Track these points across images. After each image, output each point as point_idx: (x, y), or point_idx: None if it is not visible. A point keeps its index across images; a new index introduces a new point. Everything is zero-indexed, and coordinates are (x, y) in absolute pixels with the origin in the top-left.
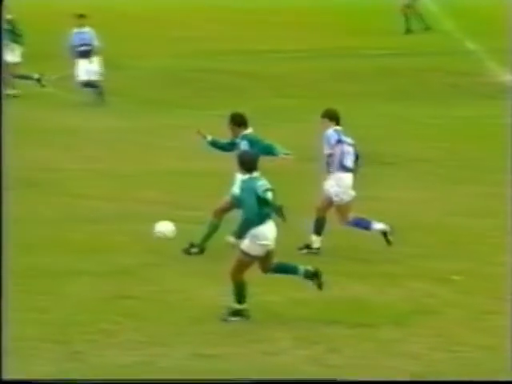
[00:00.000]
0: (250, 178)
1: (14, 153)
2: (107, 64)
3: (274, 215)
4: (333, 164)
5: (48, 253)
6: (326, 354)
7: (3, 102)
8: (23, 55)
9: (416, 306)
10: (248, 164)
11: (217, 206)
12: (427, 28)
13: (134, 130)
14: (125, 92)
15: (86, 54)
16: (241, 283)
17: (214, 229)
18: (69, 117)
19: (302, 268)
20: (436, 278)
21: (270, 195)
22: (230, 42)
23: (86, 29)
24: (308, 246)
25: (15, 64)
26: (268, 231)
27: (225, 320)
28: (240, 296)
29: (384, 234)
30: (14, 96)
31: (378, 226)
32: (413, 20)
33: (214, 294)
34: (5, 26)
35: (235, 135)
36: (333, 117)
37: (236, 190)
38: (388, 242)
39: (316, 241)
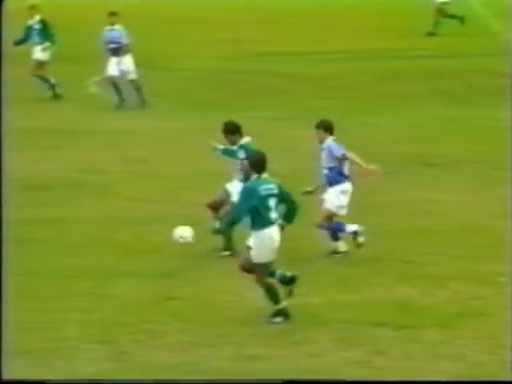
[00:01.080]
0: (258, 179)
1: (59, 154)
2: (152, 66)
3: (278, 220)
4: (334, 176)
5: (92, 254)
6: (369, 355)
7: (3, 101)
8: (55, 55)
9: (461, 309)
10: (257, 165)
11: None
12: (461, 21)
13: (178, 131)
14: (169, 94)
15: (116, 52)
16: (269, 286)
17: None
18: (114, 118)
19: (278, 272)
20: (481, 280)
21: (271, 202)
22: (273, 43)
23: (117, 27)
24: (335, 252)
25: (42, 62)
26: (272, 233)
27: (269, 322)
28: (274, 296)
29: (354, 233)
30: (54, 95)
31: (351, 228)
32: (443, 23)
33: (257, 295)
34: (36, 26)
35: (231, 143)
36: (328, 127)
37: (231, 187)
38: (359, 245)
39: (340, 245)
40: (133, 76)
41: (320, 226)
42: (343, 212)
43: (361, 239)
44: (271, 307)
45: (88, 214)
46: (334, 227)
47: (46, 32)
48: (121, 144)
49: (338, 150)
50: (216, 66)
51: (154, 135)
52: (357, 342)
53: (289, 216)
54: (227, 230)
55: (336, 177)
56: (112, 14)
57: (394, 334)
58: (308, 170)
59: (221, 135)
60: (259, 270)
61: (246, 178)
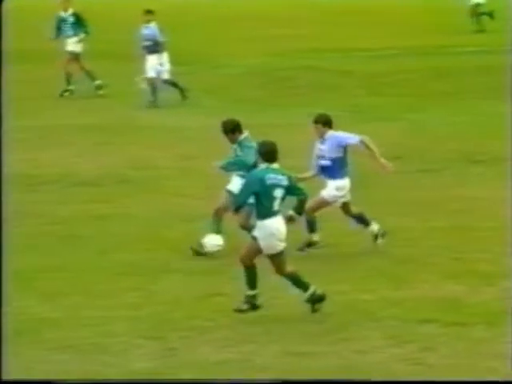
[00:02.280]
0: (267, 168)
1: (108, 151)
2: (200, 63)
3: (290, 212)
4: (341, 167)
5: (141, 250)
6: (418, 352)
7: (3, 101)
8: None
9: (509, 306)
10: (267, 154)
11: (216, 205)
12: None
13: None
14: (219, 91)
15: (151, 50)
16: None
17: (218, 231)
18: (162, 115)
19: (311, 289)
20: None
21: (277, 192)
22: (325, 40)
23: (152, 25)
24: (310, 244)
25: (76, 54)
26: (276, 223)
27: (238, 307)
28: (251, 281)
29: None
30: (65, 92)
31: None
32: (479, 20)
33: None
34: (69, 18)
35: (232, 142)
36: (327, 122)
37: (231, 187)
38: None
39: (314, 236)
40: (166, 76)
41: (310, 212)
42: (337, 203)
43: (379, 240)
44: (248, 292)
45: (137, 211)
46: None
47: (79, 24)
48: (169, 141)
49: (354, 137)
50: (264, 63)
51: (203, 132)
52: (406, 338)
53: (299, 207)
54: (248, 225)
55: (338, 169)
56: (148, 11)
57: (442, 330)
58: (358, 166)
59: (267, 131)
60: (275, 261)
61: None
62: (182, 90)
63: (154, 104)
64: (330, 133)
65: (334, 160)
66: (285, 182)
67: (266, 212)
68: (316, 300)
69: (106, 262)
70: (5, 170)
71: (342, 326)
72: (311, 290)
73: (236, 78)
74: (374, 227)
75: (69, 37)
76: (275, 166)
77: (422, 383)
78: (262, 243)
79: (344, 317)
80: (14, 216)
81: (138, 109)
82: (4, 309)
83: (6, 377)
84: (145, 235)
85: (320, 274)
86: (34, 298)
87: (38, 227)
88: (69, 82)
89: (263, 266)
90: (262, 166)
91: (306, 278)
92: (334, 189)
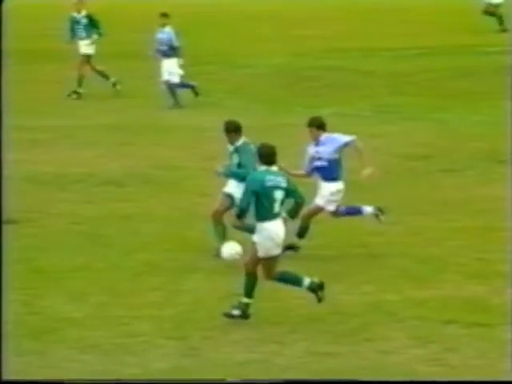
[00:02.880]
0: (267, 170)
1: (131, 151)
2: (224, 63)
3: (283, 214)
4: (333, 170)
5: (164, 250)
6: (442, 353)
7: (4, 101)
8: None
9: None
10: (266, 157)
11: (213, 208)
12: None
13: (249, 128)
14: (242, 90)
15: (165, 54)
16: (253, 276)
17: (223, 234)
18: (185, 115)
19: (307, 280)
20: None
21: (277, 194)
22: (347, 40)
23: (166, 29)
24: (291, 247)
25: (89, 56)
26: (276, 227)
27: (227, 313)
28: (249, 289)
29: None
30: (74, 93)
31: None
32: (501, 20)
33: (328, 292)
34: (82, 20)
35: (231, 143)
36: (321, 125)
37: (228, 189)
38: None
39: (299, 241)
40: (177, 80)
41: (306, 218)
42: (331, 207)
43: (381, 217)
44: (243, 299)
45: (160, 210)
46: (350, 211)
47: (92, 26)
48: (192, 141)
49: (349, 137)
50: (288, 63)
51: None
52: (429, 339)
53: (294, 211)
54: (241, 224)
55: (334, 171)
56: (163, 15)
57: (465, 331)
58: (382, 167)
59: (290, 131)
60: (267, 265)
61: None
62: (193, 88)
63: (177, 105)
64: (326, 135)
65: (330, 161)
66: (284, 184)
67: (266, 214)
68: (317, 288)
69: (129, 262)
70: (5, 171)
71: (366, 326)
72: (306, 281)
73: (259, 77)
74: (368, 209)
75: (82, 39)
76: (274, 168)
77: (430, 383)
78: (259, 246)
79: (367, 317)
80: (41, 215)
81: (161, 109)
82: (4, 308)
83: (6, 376)
84: (168, 235)
85: (344, 275)
86: (59, 297)
87: (63, 226)
88: (80, 85)
89: (287, 264)
90: (261, 168)
91: (330, 280)
92: (329, 194)
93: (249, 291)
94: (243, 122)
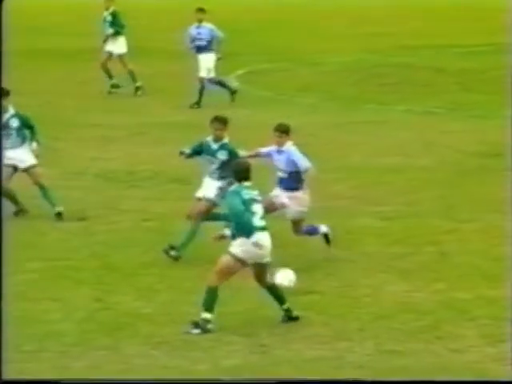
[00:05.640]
0: (240, 185)
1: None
2: (297, 60)
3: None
4: (297, 181)
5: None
6: None
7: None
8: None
9: None
10: (241, 173)
11: (193, 209)
12: None
13: (322, 125)
14: (314, 88)
15: (200, 50)
16: (215, 290)
17: (193, 235)
18: (256, 113)
19: (286, 306)
20: None
21: (255, 207)
22: (416, 37)
23: (204, 24)
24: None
25: (122, 55)
26: (263, 238)
27: (186, 330)
28: (210, 304)
29: (325, 236)
30: (138, 88)
31: (323, 229)
32: None
33: (399, 289)
34: (108, 17)
35: (219, 137)
36: (286, 130)
37: (206, 192)
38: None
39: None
40: (211, 76)
41: (300, 232)
42: (305, 215)
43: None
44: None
45: None
46: (308, 231)
47: (116, 23)
48: (263, 138)
49: (305, 162)
50: (358, 60)
51: (298, 129)
52: (501, 338)
53: None
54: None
55: (293, 184)
56: (199, 9)
57: None
58: (451, 164)
59: (361, 128)
60: (228, 265)
61: (222, 177)
62: (231, 90)
63: (197, 105)
64: (288, 145)
65: (290, 174)
66: (259, 197)
67: (248, 228)
68: (290, 317)
69: (197, 259)
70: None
71: (437, 324)
72: (286, 305)
73: (330, 75)
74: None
75: (108, 36)
76: (247, 183)
77: (430, 383)
78: (246, 255)
79: (439, 315)
80: (111, 212)
81: (229, 107)
82: (4, 309)
83: (6, 376)
84: None
85: (416, 273)
86: (129, 294)
87: (133, 223)
88: (135, 80)
89: (358, 262)
90: (235, 185)
91: (400, 278)
92: (297, 204)
93: (210, 305)
94: (316, 119)
